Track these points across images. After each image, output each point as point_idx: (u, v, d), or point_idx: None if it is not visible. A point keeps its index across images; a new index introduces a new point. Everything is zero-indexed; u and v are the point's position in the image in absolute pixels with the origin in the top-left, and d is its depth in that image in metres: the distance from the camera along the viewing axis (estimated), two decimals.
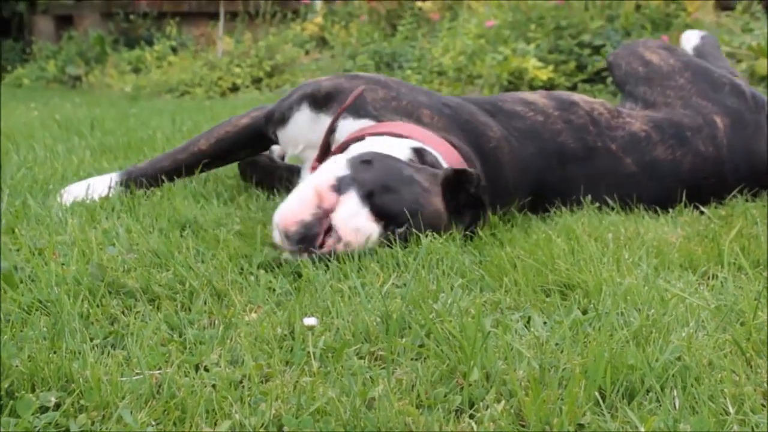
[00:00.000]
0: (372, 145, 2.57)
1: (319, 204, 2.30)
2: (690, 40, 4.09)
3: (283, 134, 3.00)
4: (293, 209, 2.30)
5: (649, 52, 3.53)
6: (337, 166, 2.41)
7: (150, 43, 12.13)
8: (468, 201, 2.49)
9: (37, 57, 12.74)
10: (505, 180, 2.80)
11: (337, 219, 2.28)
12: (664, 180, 3.03)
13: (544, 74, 7.72)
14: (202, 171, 3.20)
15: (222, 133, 3.14)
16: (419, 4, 10.65)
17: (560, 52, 8.13)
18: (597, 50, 8.08)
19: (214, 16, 12.31)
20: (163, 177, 3.15)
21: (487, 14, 9.19)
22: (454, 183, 2.47)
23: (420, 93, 2.93)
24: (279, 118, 2.98)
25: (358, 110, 2.78)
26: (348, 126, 2.78)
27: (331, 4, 11.42)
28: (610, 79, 7.83)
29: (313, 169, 2.67)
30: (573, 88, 7.86)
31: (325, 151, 2.79)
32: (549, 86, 7.65)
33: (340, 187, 2.33)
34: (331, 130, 2.79)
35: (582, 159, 2.94)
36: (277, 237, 2.31)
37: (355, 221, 2.29)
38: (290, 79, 9.80)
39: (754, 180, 3.17)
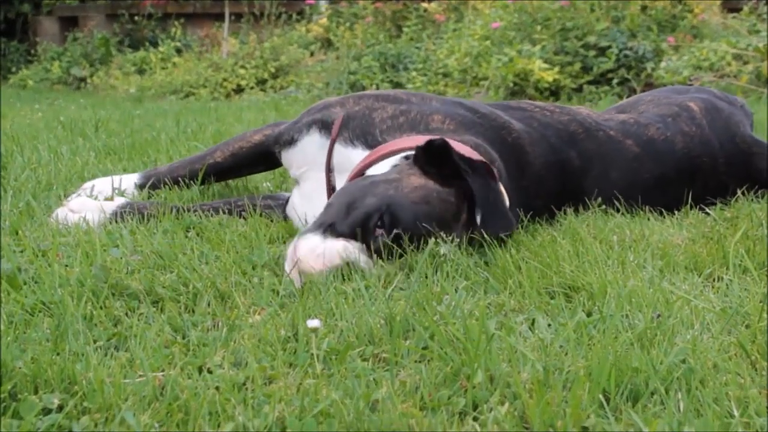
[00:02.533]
0: (365, 176, 2.58)
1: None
2: None
3: (287, 155, 3.01)
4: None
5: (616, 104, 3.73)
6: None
7: (155, 45, 12.13)
8: (455, 170, 2.42)
9: (42, 58, 12.73)
10: (532, 166, 2.82)
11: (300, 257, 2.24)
12: (665, 159, 3.09)
13: (550, 76, 7.72)
14: (217, 181, 3.25)
15: (236, 148, 3.17)
16: (425, 5, 10.66)
17: (566, 53, 8.14)
18: (602, 52, 8.08)
19: (219, 18, 12.31)
20: (180, 182, 3.18)
21: (493, 16, 9.20)
22: (431, 157, 2.43)
23: (433, 100, 2.94)
24: (287, 139, 2.99)
25: (356, 137, 2.79)
26: (343, 153, 2.79)
27: (336, 5, 11.42)
28: (615, 81, 7.85)
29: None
30: (578, 89, 7.87)
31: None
32: (554, 88, 7.65)
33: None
34: (329, 156, 2.81)
35: (592, 143, 2.99)
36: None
37: (315, 251, 2.23)
38: (295, 80, 9.80)
39: (740, 161, 3.25)
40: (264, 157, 3.14)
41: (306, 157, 2.90)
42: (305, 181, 2.91)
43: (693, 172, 3.11)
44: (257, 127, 3.27)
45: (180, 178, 3.18)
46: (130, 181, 3.18)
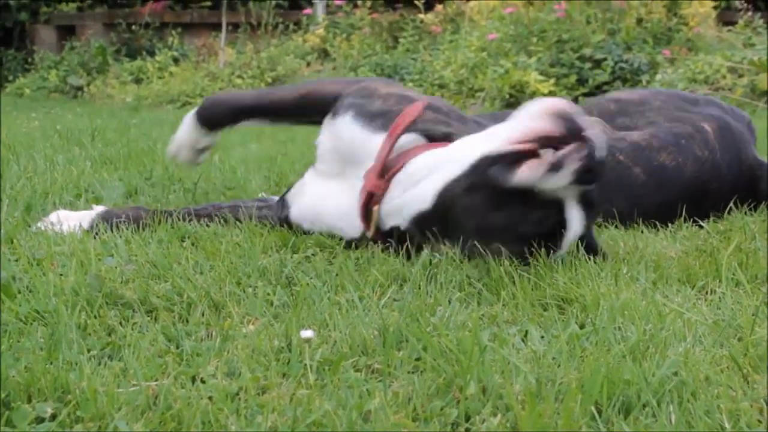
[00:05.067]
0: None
1: None
2: None
3: (333, 123, 2.82)
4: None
5: (615, 94, 3.59)
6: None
7: (152, 54, 12.13)
8: None
9: (39, 67, 12.73)
10: None
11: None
12: (673, 186, 3.02)
13: (545, 87, 7.73)
14: (273, 123, 3.19)
15: (306, 91, 3.00)
16: (421, 16, 10.68)
17: (561, 65, 8.16)
18: (598, 64, 8.10)
19: (216, 27, 12.31)
20: (241, 117, 3.10)
21: (489, 27, 9.22)
22: None
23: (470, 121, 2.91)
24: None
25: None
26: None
27: (333, 15, 11.43)
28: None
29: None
30: (574, 101, 7.87)
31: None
32: None
33: None
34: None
35: None
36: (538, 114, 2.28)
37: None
38: None
39: (745, 184, 3.22)
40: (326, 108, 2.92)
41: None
42: (325, 161, 2.85)
43: (700, 197, 3.06)
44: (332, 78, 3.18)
45: (242, 110, 3.09)
46: (186, 125, 3.22)
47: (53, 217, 2.83)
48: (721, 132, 3.22)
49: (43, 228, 2.74)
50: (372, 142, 2.63)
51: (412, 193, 2.47)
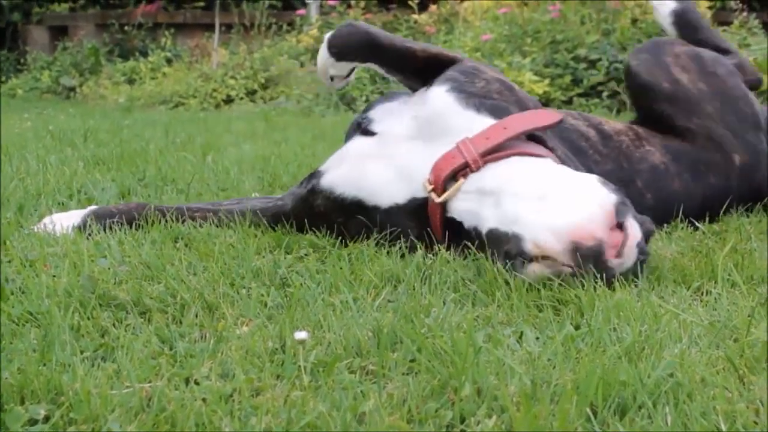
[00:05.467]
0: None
1: (609, 224, 2.21)
2: (666, 5, 3.81)
3: (428, 89, 2.74)
4: (586, 225, 2.17)
5: (678, 68, 3.31)
6: (599, 186, 2.34)
7: (144, 54, 12.13)
8: None
9: (32, 67, 12.72)
10: None
11: (629, 245, 2.20)
12: (678, 209, 2.96)
13: (540, 88, 7.72)
14: (390, 72, 2.90)
15: (435, 52, 2.84)
16: (415, 17, 10.67)
17: (556, 65, 8.15)
18: (593, 64, 8.10)
19: (209, 28, 12.31)
20: (370, 54, 2.85)
21: (483, 28, 9.21)
22: None
23: None
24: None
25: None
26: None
27: (327, 16, 11.43)
28: (606, 94, 7.86)
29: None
30: (569, 102, 7.88)
31: None
32: (545, 100, 7.66)
33: (618, 212, 2.25)
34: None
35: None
36: (556, 250, 2.16)
37: (634, 246, 2.21)
38: (285, 91, 9.80)
39: (750, 195, 3.16)
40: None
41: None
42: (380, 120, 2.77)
43: (702, 215, 3.01)
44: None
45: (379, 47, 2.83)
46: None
47: (46, 220, 2.82)
48: (749, 166, 3.14)
49: (36, 230, 2.73)
50: (460, 118, 2.59)
51: (503, 209, 2.34)
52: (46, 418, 1.46)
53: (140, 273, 2.29)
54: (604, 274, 2.14)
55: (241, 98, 9.85)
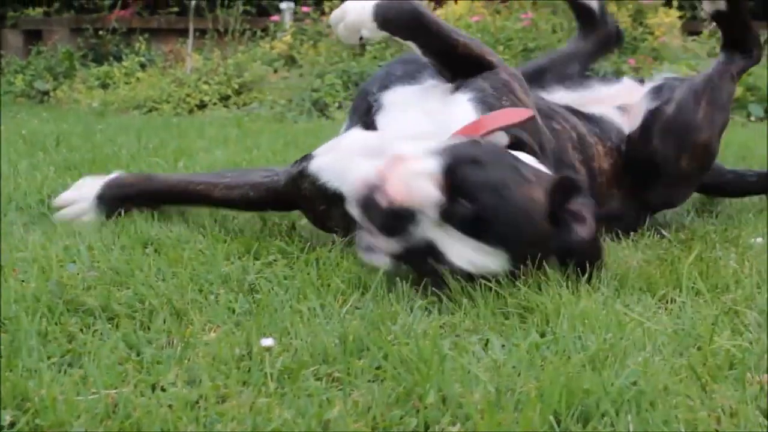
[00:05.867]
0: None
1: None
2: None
3: (449, 95, 2.73)
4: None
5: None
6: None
7: (119, 59, 12.08)
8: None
9: (5, 71, 12.66)
10: None
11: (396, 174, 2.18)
12: None
13: None
14: (429, 56, 2.82)
15: (479, 53, 2.81)
16: None
17: None
18: None
19: (183, 33, 12.27)
20: (415, 32, 2.79)
21: None
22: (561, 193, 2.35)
23: None
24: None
25: None
26: None
27: (301, 22, 11.42)
28: None
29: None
30: None
31: None
32: None
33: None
34: None
35: None
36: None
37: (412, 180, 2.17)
38: (258, 96, 9.78)
39: None
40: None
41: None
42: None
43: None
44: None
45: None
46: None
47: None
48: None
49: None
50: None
51: None
52: (12, 424, 1.46)
53: (109, 278, 2.29)
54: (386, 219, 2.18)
55: (215, 104, 9.82)
